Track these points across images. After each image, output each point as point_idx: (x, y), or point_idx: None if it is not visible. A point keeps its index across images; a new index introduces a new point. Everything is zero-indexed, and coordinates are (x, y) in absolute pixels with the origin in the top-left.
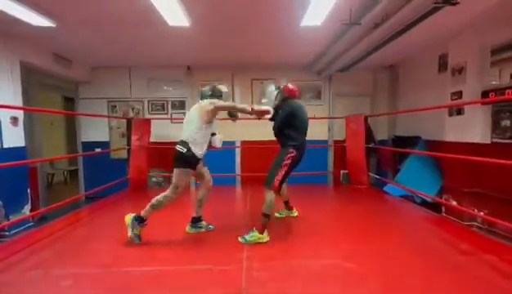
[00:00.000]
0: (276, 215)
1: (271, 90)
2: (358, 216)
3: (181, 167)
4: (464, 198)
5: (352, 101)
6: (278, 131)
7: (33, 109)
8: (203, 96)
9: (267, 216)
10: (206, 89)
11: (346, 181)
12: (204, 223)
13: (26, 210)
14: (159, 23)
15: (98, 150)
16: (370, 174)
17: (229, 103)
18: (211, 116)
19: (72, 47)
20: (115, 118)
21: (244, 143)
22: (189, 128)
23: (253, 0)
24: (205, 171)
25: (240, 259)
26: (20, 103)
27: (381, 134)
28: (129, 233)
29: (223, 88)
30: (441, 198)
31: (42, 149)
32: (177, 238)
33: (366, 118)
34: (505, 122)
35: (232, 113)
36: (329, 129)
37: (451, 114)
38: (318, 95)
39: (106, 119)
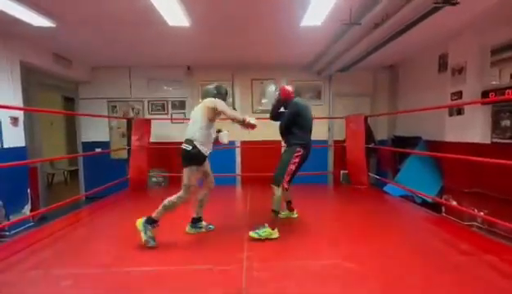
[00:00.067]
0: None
1: (272, 90)
2: (358, 216)
3: (189, 166)
4: (465, 198)
5: (352, 101)
6: (285, 129)
7: (33, 109)
8: (207, 94)
9: (276, 212)
10: (211, 87)
11: (346, 181)
12: (204, 223)
13: (26, 210)
14: (159, 23)
15: (98, 150)
16: (370, 174)
17: (229, 111)
18: (214, 114)
19: (72, 47)
20: (115, 118)
21: (244, 143)
22: (194, 127)
23: (253, 0)
24: (210, 171)
25: (240, 259)
26: (20, 103)
27: (381, 134)
28: (144, 238)
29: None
30: (441, 198)
31: (43, 149)
32: (177, 239)
33: (365, 118)
34: (505, 122)
35: None
36: (329, 129)
37: (451, 114)
38: (318, 95)
39: (106, 119)
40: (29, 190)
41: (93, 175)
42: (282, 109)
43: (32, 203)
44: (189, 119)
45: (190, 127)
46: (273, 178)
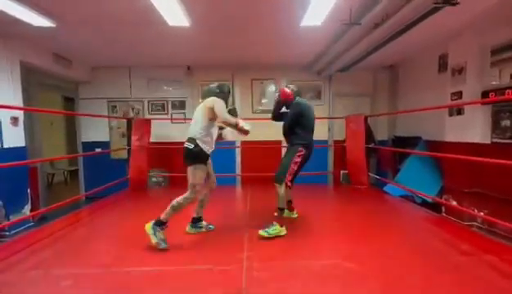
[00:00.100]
0: (276, 215)
1: (272, 90)
2: (358, 216)
3: (192, 164)
4: (465, 198)
5: (352, 101)
6: (288, 129)
7: (33, 109)
8: (209, 93)
9: (281, 209)
10: (213, 86)
11: (346, 181)
12: (204, 223)
13: (26, 210)
14: (159, 23)
15: (98, 150)
16: (370, 174)
17: (223, 114)
18: (214, 114)
19: (72, 47)
20: (115, 118)
21: (244, 143)
22: (195, 126)
23: (253, 0)
24: (212, 171)
25: (240, 259)
26: (20, 103)
27: (381, 134)
28: (154, 241)
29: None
30: (441, 198)
31: (42, 149)
32: (177, 238)
33: (365, 118)
34: (505, 122)
35: (232, 113)
36: (329, 129)
37: (451, 114)
38: (318, 95)
39: (106, 119)
40: (29, 190)
41: (93, 175)
42: (284, 110)
43: (32, 203)
44: (189, 119)
45: (192, 127)
46: (275, 177)
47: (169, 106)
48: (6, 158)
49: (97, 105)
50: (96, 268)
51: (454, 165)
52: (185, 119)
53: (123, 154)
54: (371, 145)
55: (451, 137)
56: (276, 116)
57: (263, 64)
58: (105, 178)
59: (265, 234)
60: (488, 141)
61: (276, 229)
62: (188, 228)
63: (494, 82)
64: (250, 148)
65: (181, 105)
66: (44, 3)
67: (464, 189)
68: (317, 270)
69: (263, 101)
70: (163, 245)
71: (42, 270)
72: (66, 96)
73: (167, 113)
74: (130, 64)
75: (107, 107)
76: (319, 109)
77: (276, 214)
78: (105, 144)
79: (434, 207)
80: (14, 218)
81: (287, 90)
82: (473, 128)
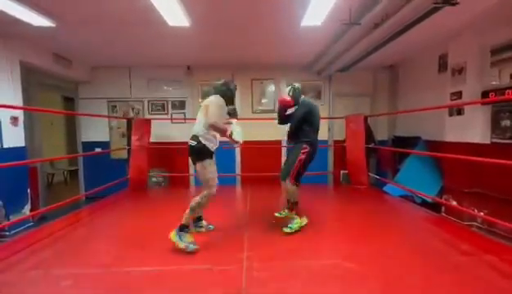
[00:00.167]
0: (276, 215)
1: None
2: (358, 216)
3: (200, 160)
4: (465, 199)
5: (352, 101)
6: (295, 129)
7: (33, 109)
8: (213, 90)
9: (295, 203)
10: (219, 83)
11: (346, 181)
12: (204, 223)
13: (26, 210)
14: (159, 23)
15: (98, 150)
16: (370, 174)
17: (213, 118)
18: None
19: (72, 47)
20: (115, 118)
21: (244, 143)
22: (198, 125)
23: (253, 0)
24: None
25: (240, 259)
26: (20, 103)
27: (381, 134)
28: (181, 246)
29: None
30: (441, 198)
31: (42, 149)
32: None
33: (365, 118)
34: (505, 123)
35: (232, 113)
36: (329, 129)
37: (451, 114)
38: (318, 95)
39: (106, 119)
40: (28, 190)
41: (93, 175)
42: (290, 111)
43: (32, 203)
44: (189, 119)
45: (196, 125)
46: (280, 175)
47: (169, 106)
48: (6, 157)
49: (97, 105)
50: (96, 268)
51: (454, 165)
52: (185, 119)
53: (123, 154)
54: (371, 145)
55: (450, 137)
56: (283, 120)
57: (263, 64)
58: (105, 178)
59: (289, 230)
60: (488, 141)
61: (297, 222)
62: None
63: (494, 82)
64: (250, 148)
65: (181, 105)
66: (44, 3)
67: (464, 189)
68: (317, 270)
69: (263, 101)
70: (191, 247)
71: (42, 270)
72: (66, 96)
73: (167, 113)
74: (130, 64)
75: (107, 107)
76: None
77: (276, 214)
78: (105, 144)
79: (434, 206)
80: (14, 218)
81: (286, 97)
82: (473, 128)
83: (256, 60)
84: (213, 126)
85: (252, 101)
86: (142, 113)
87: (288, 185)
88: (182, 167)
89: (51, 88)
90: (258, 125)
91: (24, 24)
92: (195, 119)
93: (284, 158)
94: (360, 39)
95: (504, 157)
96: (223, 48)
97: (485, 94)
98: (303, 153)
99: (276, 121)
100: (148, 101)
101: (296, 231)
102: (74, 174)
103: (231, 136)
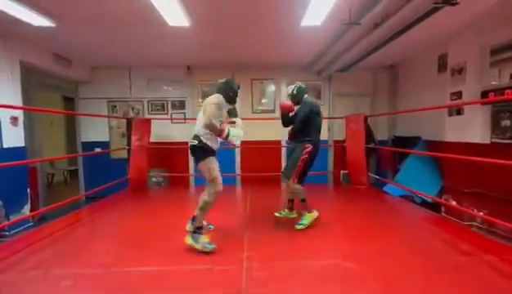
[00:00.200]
0: (276, 214)
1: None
2: (358, 216)
3: (202, 159)
4: (465, 199)
5: (352, 101)
6: (298, 128)
7: (33, 109)
8: (216, 89)
9: (303, 200)
10: (220, 81)
11: (346, 181)
12: (204, 222)
13: (26, 210)
14: (159, 23)
15: (98, 150)
16: (370, 174)
17: (209, 119)
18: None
19: (72, 47)
20: (115, 117)
21: (244, 143)
22: (199, 125)
23: (253, 0)
24: None
25: (240, 259)
26: (19, 103)
27: (381, 134)
28: (198, 247)
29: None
30: (441, 198)
31: (42, 149)
32: (177, 239)
33: (365, 118)
34: (505, 123)
35: (231, 113)
36: (329, 129)
37: (450, 114)
38: (318, 95)
39: (106, 119)
40: (28, 190)
41: (93, 175)
42: (292, 113)
43: (32, 203)
44: (189, 119)
45: (196, 125)
46: (283, 173)
47: (169, 106)
48: (6, 158)
49: (97, 105)
50: (96, 268)
51: (454, 165)
52: (185, 119)
53: (123, 154)
54: (371, 145)
55: (450, 137)
56: (288, 122)
57: (263, 64)
58: (104, 178)
59: (302, 227)
60: (488, 141)
61: (308, 217)
62: (188, 226)
63: (494, 82)
64: (250, 148)
65: (180, 105)
66: (44, 3)
67: (464, 189)
68: (317, 270)
69: (263, 101)
70: (209, 247)
71: (42, 270)
72: (66, 96)
73: (167, 113)
74: (130, 64)
75: (107, 107)
76: None
77: (276, 214)
78: (104, 144)
79: (434, 206)
80: (14, 218)
81: (287, 102)
82: (473, 128)
83: (256, 60)
84: (209, 127)
85: (252, 101)
86: (142, 113)
87: (292, 185)
88: (182, 167)
89: (51, 88)
90: (258, 125)
91: (24, 24)
92: (194, 119)
93: (284, 158)
94: (360, 39)
95: (504, 157)
96: (223, 48)
97: (485, 94)
98: (306, 152)
99: (281, 123)
100: (148, 101)
101: (309, 226)
102: (73, 174)
103: (226, 138)
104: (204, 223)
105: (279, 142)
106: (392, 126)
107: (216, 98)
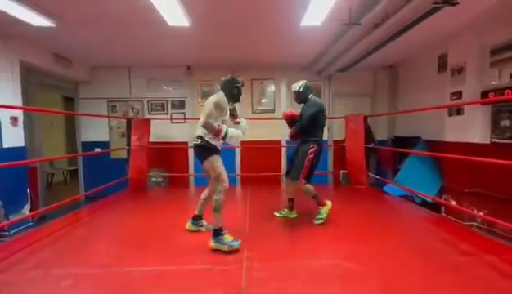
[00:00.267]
0: (276, 214)
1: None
2: (358, 216)
3: (206, 157)
4: (464, 198)
5: (352, 101)
6: (304, 128)
7: (33, 109)
8: (220, 87)
9: (314, 196)
10: (224, 79)
11: (346, 181)
12: (204, 222)
13: (26, 210)
14: (159, 23)
15: (98, 150)
16: (370, 174)
17: (206, 119)
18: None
19: (72, 47)
20: (115, 117)
21: (244, 143)
22: (199, 125)
23: (253, 0)
24: None
25: (240, 259)
26: (19, 103)
27: (381, 134)
28: (225, 248)
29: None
30: (441, 198)
31: (42, 149)
32: (177, 238)
33: (365, 118)
34: (505, 123)
35: (231, 113)
36: (328, 129)
37: (450, 114)
38: (318, 96)
39: (106, 119)
40: (28, 190)
41: (93, 175)
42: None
43: (31, 203)
44: (189, 119)
45: (198, 126)
46: (291, 176)
47: (169, 106)
48: (6, 158)
49: (97, 105)
50: (96, 268)
51: (454, 165)
52: (184, 119)
53: (123, 154)
54: (371, 145)
55: (450, 137)
56: (292, 126)
57: (263, 64)
58: (104, 178)
59: (320, 222)
60: (488, 141)
61: (323, 211)
62: (188, 225)
63: (493, 82)
64: (250, 148)
65: (180, 105)
66: (44, 3)
67: (464, 189)
68: (317, 270)
69: (263, 101)
70: (235, 244)
71: (42, 270)
72: (66, 96)
73: (167, 113)
74: (130, 64)
75: (107, 107)
76: None
77: (276, 214)
78: (104, 144)
79: (434, 206)
80: (13, 218)
81: (290, 111)
82: (473, 128)
83: (256, 60)
84: (205, 126)
85: (252, 101)
86: (142, 113)
87: (300, 185)
88: (182, 167)
89: (51, 88)
90: (257, 125)
91: (24, 24)
92: (194, 119)
93: (284, 158)
94: (360, 39)
95: (503, 157)
96: (223, 48)
97: (485, 94)
98: (311, 152)
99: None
100: (148, 101)
101: (326, 219)
102: (73, 174)
103: (224, 138)
104: (205, 222)
105: (279, 142)
106: (392, 126)
107: (216, 97)
